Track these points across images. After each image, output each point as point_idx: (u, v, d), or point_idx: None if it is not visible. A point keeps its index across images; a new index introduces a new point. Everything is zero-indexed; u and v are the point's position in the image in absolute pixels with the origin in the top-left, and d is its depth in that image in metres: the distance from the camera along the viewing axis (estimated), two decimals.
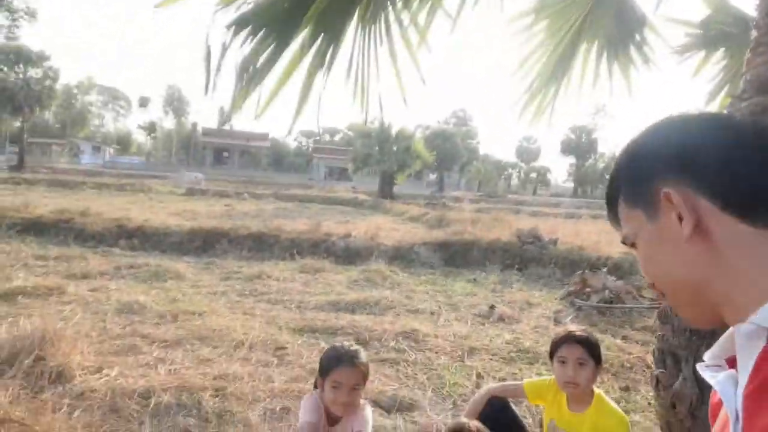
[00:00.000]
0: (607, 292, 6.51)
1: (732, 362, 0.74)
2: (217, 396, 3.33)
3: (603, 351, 4.65)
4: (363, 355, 2.07)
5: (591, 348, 2.05)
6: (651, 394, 3.88)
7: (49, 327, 3.64)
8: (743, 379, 0.64)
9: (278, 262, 8.28)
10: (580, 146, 69.04)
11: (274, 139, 67.46)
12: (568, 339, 2.05)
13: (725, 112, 3.21)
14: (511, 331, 5.19)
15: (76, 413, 2.92)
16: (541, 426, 2.89)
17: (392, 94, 3.02)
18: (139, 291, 5.86)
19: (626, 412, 3.54)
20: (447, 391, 3.70)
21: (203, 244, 9.16)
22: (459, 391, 3.72)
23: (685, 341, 2.08)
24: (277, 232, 9.64)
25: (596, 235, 12.45)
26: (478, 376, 4.01)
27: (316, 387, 2.12)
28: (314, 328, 4.92)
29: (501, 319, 5.61)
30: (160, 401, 3.17)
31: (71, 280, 6.11)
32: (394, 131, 29.50)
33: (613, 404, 2.07)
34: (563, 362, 2.04)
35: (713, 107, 4.00)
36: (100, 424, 2.86)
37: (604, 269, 7.63)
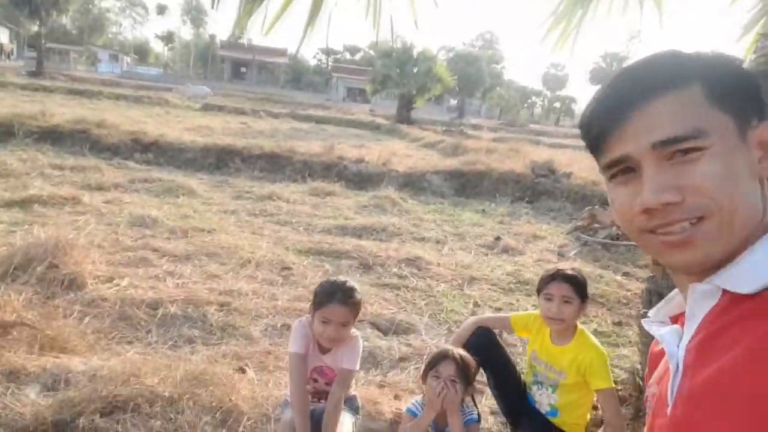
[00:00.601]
0: (614, 228, 6.49)
1: (675, 320, 0.76)
2: (221, 310, 3.49)
3: (602, 286, 4.76)
4: (357, 293, 2.07)
5: (577, 286, 2.08)
6: (626, 322, 4.00)
7: (63, 236, 3.78)
8: (688, 333, 0.67)
9: (289, 184, 8.35)
10: (610, 75, 66.30)
11: (293, 55, 65.80)
12: (556, 277, 2.08)
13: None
14: (513, 263, 5.27)
15: (86, 319, 3.10)
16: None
17: (412, 11, 2.89)
18: (152, 205, 6.00)
19: (616, 345, 3.68)
20: (443, 317, 3.83)
21: (216, 161, 9.22)
22: (455, 317, 3.84)
23: (673, 283, 2.10)
24: (290, 153, 9.64)
25: None
26: (475, 304, 4.12)
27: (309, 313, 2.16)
28: (320, 251, 5.04)
29: (505, 250, 5.67)
30: (167, 312, 3.34)
31: (86, 191, 6.25)
32: (415, 52, 28.50)
33: (593, 339, 2.13)
34: (549, 299, 2.08)
35: (746, 41, 3.77)
36: (109, 330, 3.04)
37: None
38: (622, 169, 0.69)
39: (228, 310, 3.51)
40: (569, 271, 2.12)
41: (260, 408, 2.33)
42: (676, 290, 0.78)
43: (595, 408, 2.24)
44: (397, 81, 28.21)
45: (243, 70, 63.87)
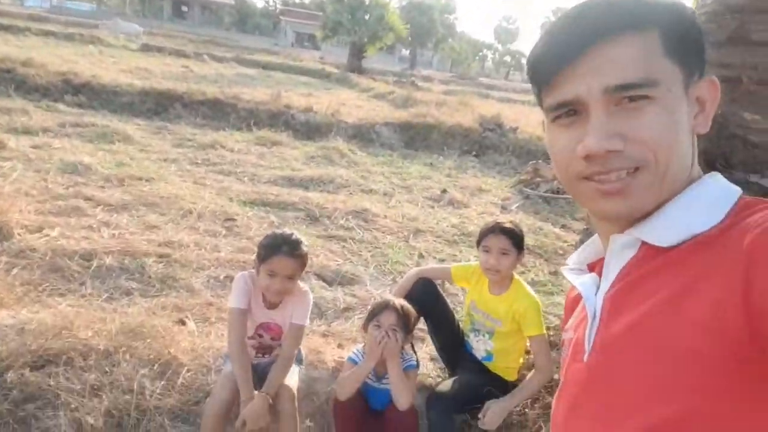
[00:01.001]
0: (555, 182, 6.70)
1: (592, 267, 0.79)
2: (161, 262, 3.39)
3: (541, 238, 4.93)
4: (303, 246, 2.04)
5: (514, 239, 2.14)
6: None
7: None
8: (606, 283, 0.69)
9: (234, 132, 8.07)
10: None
11: None
12: (494, 230, 2.13)
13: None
14: (458, 216, 5.37)
15: (14, 271, 2.94)
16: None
17: None
18: (85, 151, 5.67)
19: (551, 293, 3.85)
20: (388, 269, 3.88)
21: (156, 106, 8.76)
22: (399, 269, 3.89)
23: None
24: (235, 100, 9.28)
25: None
26: (420, 255, 4.19)
27: (254, 267, 2.12)
28: (266, 202, 4.95)
29: (451, 203, 5.75)
30: (102, 263, 3.22)
31: (12, 135, 5.83)
32: None
33: (528, 289, 2.21)
34: (487, 251, 2.13)
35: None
36: (39, 282, 2.90)
37: None
38: (567, 112, 0.66)
39: (168, 261, 3.41)
40: (507, 225, 2.17)
41: (200, 359, 2.32)
42: (593, 237, 0.79)
43: (527, 353, 2.36)
44: (349, 28, 27.39)
45: (184, 9, 60.14)
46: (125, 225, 3.87)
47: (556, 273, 4.22)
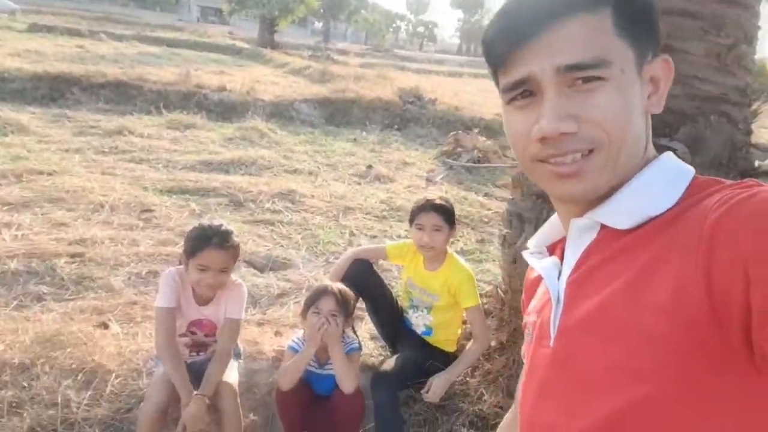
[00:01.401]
0: (476, 151, 6.88)
1: (551, 249, 0.79)
2: (74, 262, 3.15)
3: (466, 207, 5.05)
4: (234, 236, 1.95)
5: (446, 215, 2.16)
6: (490, 241, 4.35)
7: None
8: (568, 265, 0.69)
9: (142, 116, 7.57)
10: (468, 0, 67.89)
11: None
12: (426, 207, 2.15)
13: None
14: (385, 191, 5.38)
15: None
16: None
17: None
18: None
19: (479, 261, 3.97)
20: (320, 250, 3.83)
21: (50, 91, 8.03)
22: (332, 249, 3.86)
23: (531, 204, 2.27)
24: (140, 82, 8.69)
25: (474, 95, 12.84)
26: (351, 234, 4.17)
27: (180, 263, 2.01)
28: (184, 189, 4.71)
29: (377, 178, 5.76)
30: (6, 269, 2.94)
31: None
32: None
33: (462, 262, 2.26)
34: (421, 228, 2.15)
35: None
36: None
37: (476, 130, 7.97)
38: (522, 93, 0.64)
39: (81, 261, 3.18)
40: (438, 201, 2.19)
41: (129, 364, 2.19)
42: (551, 218, 0.79)
43: (464, 323, 2.42)
44: (257, 1, 26.33)
45: None
46: (29, 225, 3.54)
47: (483, 241, 4.36)
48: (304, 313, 2.02)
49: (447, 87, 13.25)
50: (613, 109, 0.61)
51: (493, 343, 2.27)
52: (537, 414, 0.69)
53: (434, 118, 9.12)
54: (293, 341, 2.08)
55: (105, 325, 2.49)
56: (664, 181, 0.63)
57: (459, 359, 2.16)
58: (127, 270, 3.17)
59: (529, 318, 0.79)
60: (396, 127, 8.93)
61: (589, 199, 0.66)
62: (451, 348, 2.30)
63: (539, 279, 0.78)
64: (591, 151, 0.62)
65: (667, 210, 0.60)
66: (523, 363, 2.16)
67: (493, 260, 4.04)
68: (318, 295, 1.98)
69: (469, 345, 2.21)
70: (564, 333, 0.65)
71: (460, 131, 7.45)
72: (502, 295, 2.49)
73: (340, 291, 1.99)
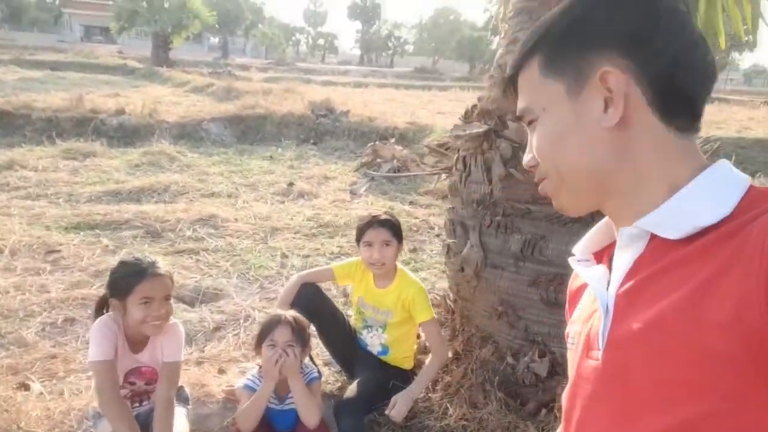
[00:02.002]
0: (395, 161, 6.95)
1: (598, 257, 0.77)
2: None
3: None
4: (161, 263, 1.84)
5: (393, 229, 2.15)
6: (434, 252, 4.41)
7: None
8: (617, 275, 0.67)
9: (33, 148, 6.91)
10: (365, 11, 68.99)
11: None
12: (372, 223, 2.12)
13: None
14: (311, 207, 5.28)
15: None
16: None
17: None
18: None
19: (415, 270, 3.98)
20: (253, 275, 3.67)
21: None
22: (264, 273, 3.71)
23: (472, 212, 2.30)
24: (26, 110, 7.94)
25: (382, 105, 13.03)
26: (283, 255, 4.04)
27: (102, 311, 1.83)
28: (93, 224, 4.35)
29: (300, 195, 5.65)
30: None
31: None
32: None
33: (412, 276, 2.25)
34: (369, 245, 2.12)
35: None
36: None
37: (392, 140, 8.07)
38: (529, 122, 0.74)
39: None
40: (383, 216, 2.17)
41: (61, 427, 1.96)
42: (598, 225, 0.77)
43: (418, 337, 2.41)
44: (148, 17, 25.17)
45: None
46: None
47: (415, 250, 4.40)
48: (258, 347, 1.91)
49: (356, 98, 13.32)
50: (541, 143, 0.70)
51: (449, 354, 2.28)
52: (584, 428, 0.68)
53: (349, 130, 9.12)
54: (248, 379, 1.96)
55: (26, 386, 2.21)
56: (715, 189, 0.61)
57: (420, 375, 2.14)
58: (40, 320, 2.86)
59: (573, 327, 0.77)
60: (312, 141, 8.83)
61: (575, 216, 0.75)
62: (408, 365, 2.28)
63: (584, 287, 0.76)
64: (543, 179, 0.73)
65: (722, 220, 0.58)
66: (477, 372, 2.16)
67: (428, 268, 4.09)
68: (271, 326, 1.88)
69: (428, 360, 2.20)
70: (614, 345, 0.64)
71: (376, 142, 7.49)
72: (451, 304, 2.51)
73: (294, 319, 1.90)
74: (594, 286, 0.70)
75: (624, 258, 0.67)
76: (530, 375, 2.07)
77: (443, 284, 3.55)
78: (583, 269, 0.76)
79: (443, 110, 13.84)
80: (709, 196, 0.61)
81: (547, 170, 0.71)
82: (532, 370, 2.07)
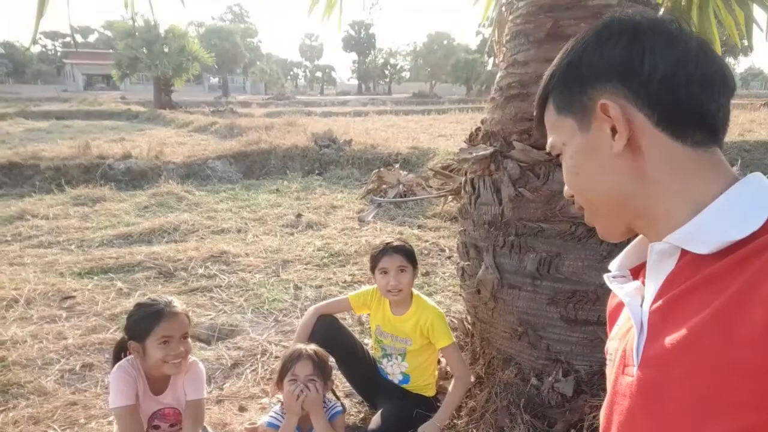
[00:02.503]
0: (401, 186, 6.99)
1: (635, 272, 0.78)
2: None
3: None
4: (177, 302, 1.87)
5: (408, 254, 2.15)
6: (447, 274, 4.40)
7: None
8: (650, 292, 0.67)
9: (43, 196, 7.02)
10: (360, 42, 70.16)
11: (8, 43, 54.74)
12: (387, 250, 2.12)
13: (502, 8, 3.40)
14: (320, 237, 5.30)
15: None
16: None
17: None
18: None
19: (429, 294, 3.97)
20: (267, 309, 3.67)
21: None
22: (278, 306, 3.71)
23: (485, 233, 2.30)
24: (35, 160, 8.07)
25: (384, 131, 13.14)
26: (296, 287, 4.04)
27: (120, 355, 1.85)
28: (106, 268, 4.37)
29: (309, 226, 5.67)
30: None
31: None
32: (162, 30, 26.18)
33: (429, 302, 2.24)
34: (385, 272, 2.12)
35: (482, 2, 4.17)
36: None
37: (397, 165, 8.13)
38: None
39: (4, 365, 2.83)
40: (396, 243, 2.17)
41: None
42: (635, 241, 0.78)
43: (438, 362, 2.38)
44: (148, 63, 25.67)
45: None
46: None
47: (427, 273, 4.38)
48: (279, 382, 1.89)
49: (357, 127, 13.47)
50: (566, 175, 0.76)
51: (471, 379, 2.25)
52: None
53: (352, 159, 9.19)
54: (271, 416, 1.94)
55: None
56: (745, 203, 0.61)
57: (445, 402, 2.11)
58: (58, 368, 2.86)
59: (611, 343, 0.77)
60: (317, 172, 8.91)
61: (617, 240, 0.77)
62: (431, 392, 2.25)
63: (622, 304, 0.76)
64: (581, 208, 0.77)
65: (751, 234, 0.58)
66: (501, 395, 2.13)
67: (442, 291, 4.07)
68: (292, 360, 1.87)
69: (451, 385, 2.17)
70: (648, 362, 0.63)
71: (381, 168, 7.55)
72: (470, 327, 2.49)
73: (315, 353, 1.89)
74: (628, 303, 0.70)
75: (656, 274, 0.67)
76: (556, 395, 2.04)
77: (459, 307, 3.53)
78: (617, 286, 0.76)
79: (444, 133, 13.93)
80: (739, 210, 0.61)
81: (578, 200, 0.76)
82: (557, 390, 2.04)
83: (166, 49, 25.92)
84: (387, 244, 2.16)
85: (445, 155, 8.25)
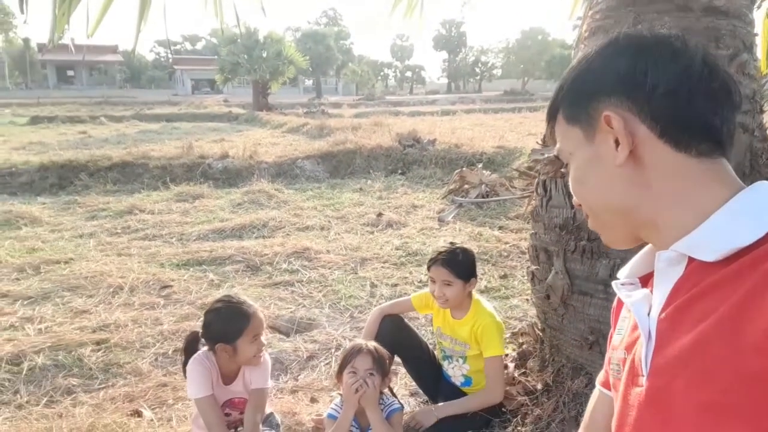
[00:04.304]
0: (483, 186, 6.89)
1: (645, 280, 0.77)
2: (99, 349, 3.12)
3: (483, 243, 4.99)
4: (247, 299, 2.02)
5: (455, 269, 2.10)
6: (526, 278, 4.28)
7: None
8: (658, 301, 0.67)
9: (150, 193, 7.68)
10: (450, 40, 69.74)
11: (128, 51, 60.26)
12: (436, 261, 2.12)
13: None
14: (399, 236, 5.36)
15: None
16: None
17: None
18: None
19: (506, 298, 3.89)
20: (343, 305, 3.78)
21: (59, 180, 8.18)
22: (354, 303, 3.81)
23: (556, 237, 2.23)
24: (144, 160, 8.85)
25: (470, 131, 12.99)
26: (372, 285, 4.12)
27: (193, 349, 2.00)
28: (200, 260, 4.71)
29: (389, 225, 5.75)
30: (33, 365, 2.91)
31: None
32: (261, 36, 27.60)
33: (489, 308, 2.21)
34: (433, 281, 2.13)
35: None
36: None
37: (480, 165, 8.02)
38: None
39: (107, 347, 3.14)
40: (446, 255, 2.13)
41: None
42: (645, 248, 0.79)
43: (506, 367, 2.34)
44: (248, 67, 27.17)
45: (70, 73, 57.36)
46: (51, 316, 3.53)
47: (505, 276, 4.30)
48: (339, 375, 1.96)
49: (443, 126, 13.40)
50: (572, 184, 0.77)
51: (539, 386, 2.19)
52: None
53: (436, 158, 9.19)
54: (332, 408, 2.01)
55: (138, 413, 2.43)
56: (750, 211, 0.62)
57: (457, 400, 2.13)
58: (153, 351, 3.13)
59: (616, 353, 0.77)
60: (399, 171, 9.00)
61: (625, 248, 0.78)
62: None
63: (621, 306, 0.79)
64: (587, 216, 0.79)
65: (756, 241, 0.58)
66: (569, 405, 2.06)
67: (519, 295, 3.97)
68: (353, 354, 1.93)
69: (481, 392, 2.15)
70: (657, 371, 0.63)
71: (464, 168, 7.48)
72: (540, 333, 2.42)
73: (375, 349, 1.94)
74: (635, 312, 0.70)
75: (664, 283, 0.67)
76: None
77: (533, 310, 3.44)
78: (625, 294, 0.76)
79: (534, 131, 13.50)
80: (745, 217, 0.61)
81: (584, 208, 0.78)
82: None
83: (264, 54, 27.30)
84: (439, 253, 2.15)
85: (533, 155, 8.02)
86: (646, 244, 0.76)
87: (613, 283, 0.80)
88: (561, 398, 2.10)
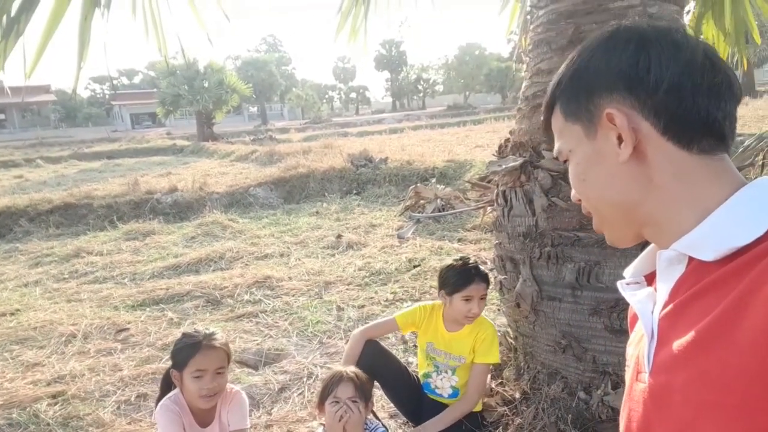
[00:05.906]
0: (438, 200, 6.97)
1: (650, 279, 0.77)
2: (56, 403, 2.93)
3: (444, 257, 5.03)
4: (220, 335, 1.90)
5: (487, 281, 2.18)
6: (489, 288, 4.33)
7: None
8: (660, 300, 0.68)
9: (97, 234, 7.36)
10: (391, 60, 70.85)
11: (61, 90, 58.06)
12: (475, 278, 2.13)
13: (527, 16, 3.38)
14: (360, 257, 5.33)
15: None
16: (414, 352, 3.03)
17: (193, 26, 2.70)
18: None
19: None
20: (311, 332, 3.71)
21: None
22: (322, 328, 3.74)
23: (520, 245, 2.27)
24: (87, 200, 8.49)
25: (420, 146, 13.18)
26: (338, 308, 4.07)
27: (169, 384, 1.90)
28: (157, 299, 4.53)
29: (349, 246, 5.72)
30: None
31: None
32: (201, 66, 27.26)
33: (486, 318, 2.25)
34: (469, 299, 2.12)
35: (507, 12, 4.17)
36: None
37: (433, 179, 8.13)
38: None
39: (64, 400, 2.96)
40: (477, 268, 2.19)
41: None
42: (650, 247, 0.78)
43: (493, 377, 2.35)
44: (190, 99, 26.74)
45: (1, 117, 54.70)
46: (1, 372, 3.29)
47: None
48: (321, 404, 1.91)
49: (392, 144, 13.56)
50: (573, 181, 0.75)
51: (517, 395, 2.21)
52: None
53: (389, 176, 9.25)
54: None
55: None
56: (749, 209, 0.61)
57: (443, 414, 2.11)
58: (115, 399, 2.97)
59: (629, 350, 0.77)
60: (354, 192, 9.00)
61: (627, 246, 0.76)
62: (478, 407, 2.22)
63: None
64: (590, 212, 0.77)
65: (755, 240, 0.58)
66: (548, 411, 2.08)
67: (487, 305, 4.00)
68: (334, 382, 1.89)
69: (458, 401, 2.16)
70: (658, 368, 0.64)
71: (418, 184, 7.56)
72: (512, 341, 2.45)
73: (356, 375, 1.91)
74: (639, 310, 0.70)
75: (666, 281, 0.67)
76: (606, 409, 1.97)
77: (502, 320, 3.48)
78: (629, 293, 0.76)
79: (480, 143, 13.85)
80: (743, 216, 0.61)
81: (585, 206, 0.76)
82: (607, 403, 1.98)
83: (205, 84, 26.94)
84: (474, 269, 2.16)
85: (483, 166, 8.19)
86: (649, 243, 0.75)
87: (618, 283, 0.79)
88: (540, 405, 2.12)
